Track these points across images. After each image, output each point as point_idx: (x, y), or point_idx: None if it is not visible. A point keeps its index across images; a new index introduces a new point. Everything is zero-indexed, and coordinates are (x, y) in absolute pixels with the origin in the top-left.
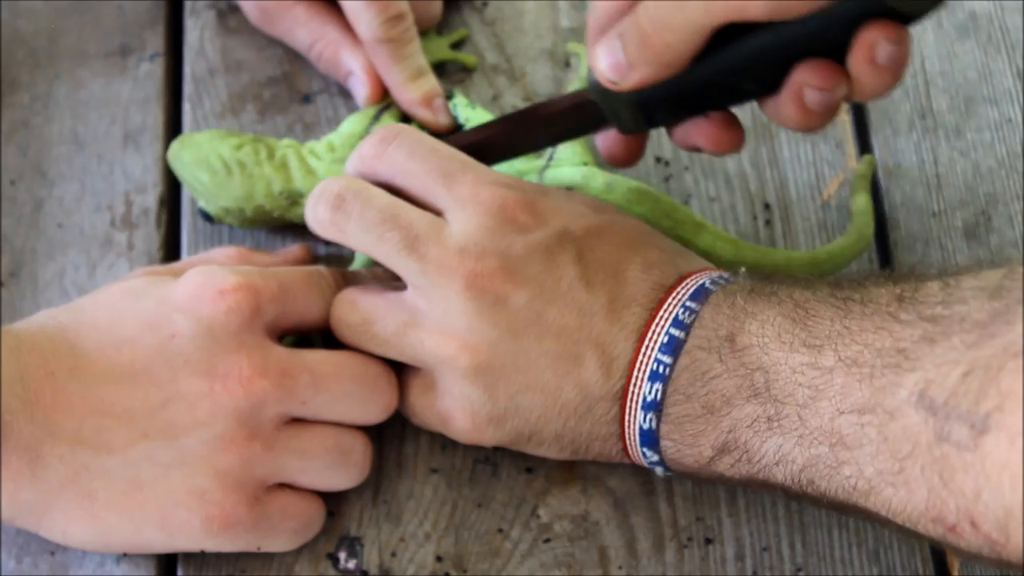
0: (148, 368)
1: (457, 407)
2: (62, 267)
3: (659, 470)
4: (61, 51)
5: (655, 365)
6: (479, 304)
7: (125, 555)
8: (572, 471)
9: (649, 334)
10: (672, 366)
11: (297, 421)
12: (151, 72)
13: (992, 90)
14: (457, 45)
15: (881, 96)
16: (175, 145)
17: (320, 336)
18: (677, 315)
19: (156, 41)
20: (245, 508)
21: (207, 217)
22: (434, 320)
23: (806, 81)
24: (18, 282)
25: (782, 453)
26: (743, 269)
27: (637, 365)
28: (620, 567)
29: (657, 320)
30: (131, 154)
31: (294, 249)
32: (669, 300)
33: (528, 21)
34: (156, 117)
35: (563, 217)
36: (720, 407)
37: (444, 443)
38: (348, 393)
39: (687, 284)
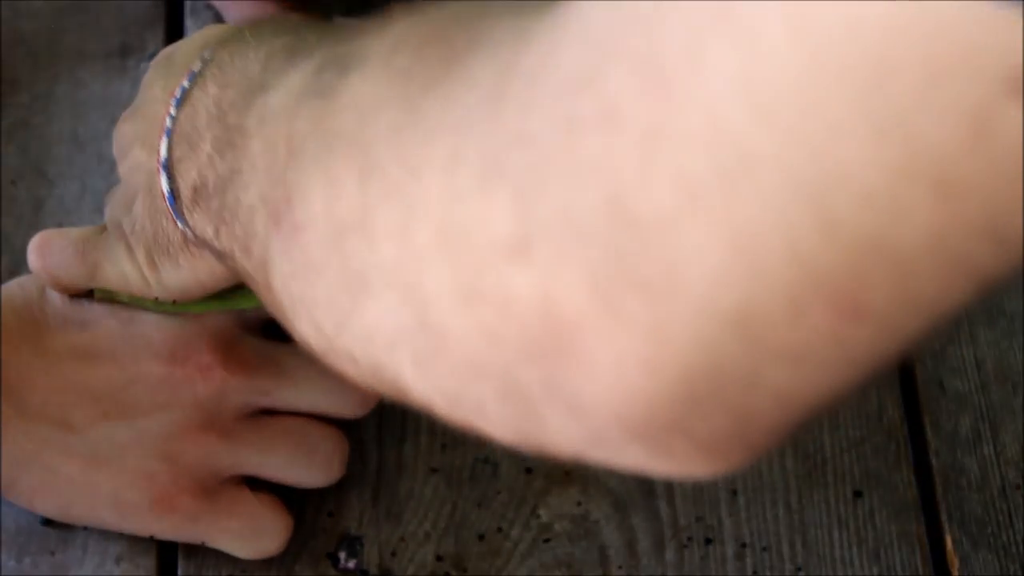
0: (112, 349)
1: None
2: None
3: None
4: (61, 51)
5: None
6: None
7: (125, 555)
8: (572, 471)
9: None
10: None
11: (267, 412)
12: None
13: None
14: None
15: None
16: None
17: None
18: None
19: (156, 41)
20: (190, 496)
21: None
22: None
23: None
24: None
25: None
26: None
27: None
28: (620, 567)
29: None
30: None
31: None
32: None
33: None
34: None
35: None
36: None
37: (444, 443)
38: (315, 383)
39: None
